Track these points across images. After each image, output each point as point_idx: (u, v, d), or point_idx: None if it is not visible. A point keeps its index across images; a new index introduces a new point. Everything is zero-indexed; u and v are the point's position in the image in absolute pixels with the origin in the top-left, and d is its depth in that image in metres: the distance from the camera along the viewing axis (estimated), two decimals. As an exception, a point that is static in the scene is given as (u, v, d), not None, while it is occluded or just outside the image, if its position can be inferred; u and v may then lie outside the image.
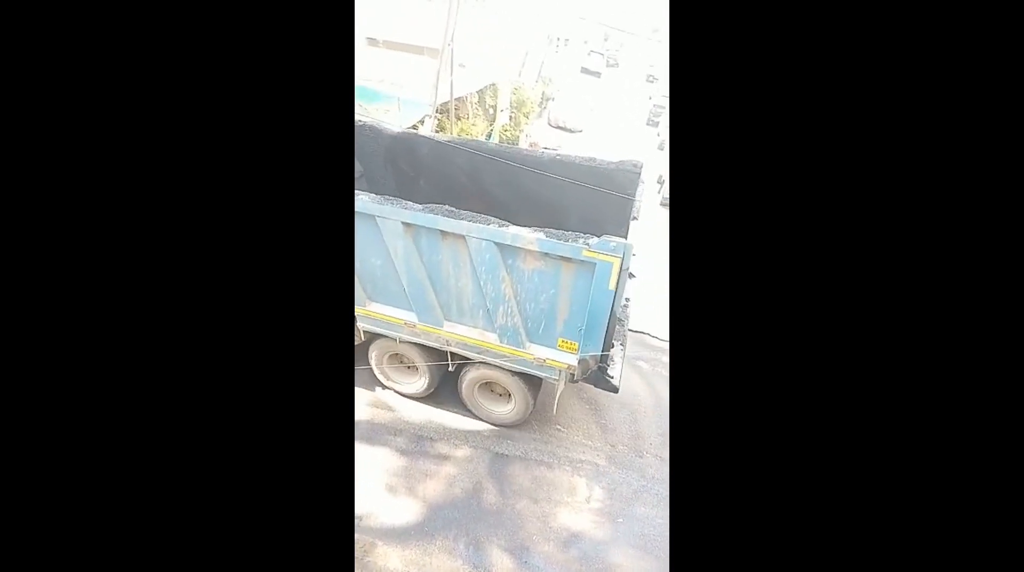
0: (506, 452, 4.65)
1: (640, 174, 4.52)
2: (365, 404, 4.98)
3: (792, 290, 1.28)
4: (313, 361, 1.33)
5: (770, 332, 1.29)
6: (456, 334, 4.26)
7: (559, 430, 4.99)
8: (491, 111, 11.94)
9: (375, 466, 4.32)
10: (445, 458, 4.52)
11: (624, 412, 5.35)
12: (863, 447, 1.25)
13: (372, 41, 11.88)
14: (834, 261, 1.25)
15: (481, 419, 4.91)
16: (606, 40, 36.03)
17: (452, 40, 7.21)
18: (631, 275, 5.42)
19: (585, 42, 32.17)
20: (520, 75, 14.38)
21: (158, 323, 1.24)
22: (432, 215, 3.71)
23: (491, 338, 4.18)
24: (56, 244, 1.18)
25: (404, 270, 4.02)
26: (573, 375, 4.08)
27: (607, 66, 28.46)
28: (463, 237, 3.69)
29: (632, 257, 3.55)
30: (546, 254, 3.59)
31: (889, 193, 1.22)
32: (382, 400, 5.04)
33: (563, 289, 3.73)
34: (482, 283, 3.87)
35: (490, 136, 11.37)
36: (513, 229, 3.61)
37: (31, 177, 1.15)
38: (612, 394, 4.47)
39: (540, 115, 16.08)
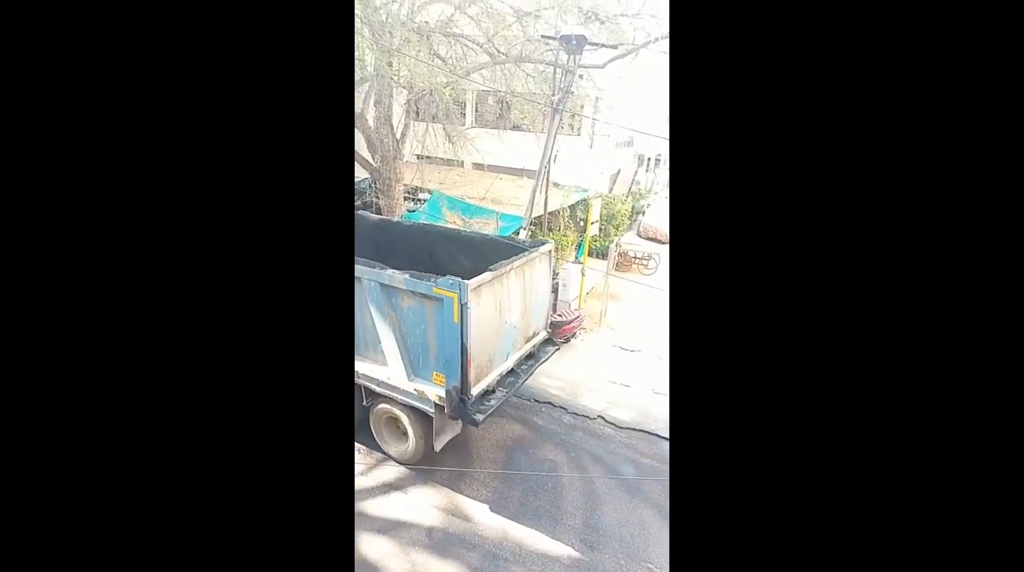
0: (588, 588, 4.09)
1: (546, 248, 5.52)
2: (439, 509, 4.79)
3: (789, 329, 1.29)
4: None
5: (766, 368, 1.31)
6: (363, 370, 4.92)
7: (650, 570, 4.32)
8: (581, 223, 12.56)
9: (444, 583, 4.01)
10: (519, 585, 4.08)
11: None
12: (862, 459, 1.23)
13: (478, 166, 13.51)
14: (826, 303, 1.25)
15: (392, 457, 5.35)
16: (696, 159, 37.24)
17: (549, 162, 7.95)
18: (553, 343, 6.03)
19: (675, 161, 33.59)
20: (610, 191, 15.21)
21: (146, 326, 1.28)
22: None
23: (386, 372, 4.80)
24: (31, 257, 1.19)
25: None
26: (444, 407, 4.55)
27: (697, 182, 29.09)
28: (360, 278, 4.49)
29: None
30: (413, 292, 4.30)
31: (875, 229, 1.22)
32: (458, 507, 4.82)
33: (430, 324, 4.37)
34: (375, 318, 4.62)
35: (580, 246, 11.81)
36: (390, 271, 4.38)
37: (18, 182, 1.19)
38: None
39: (630, 227, 16.53)
